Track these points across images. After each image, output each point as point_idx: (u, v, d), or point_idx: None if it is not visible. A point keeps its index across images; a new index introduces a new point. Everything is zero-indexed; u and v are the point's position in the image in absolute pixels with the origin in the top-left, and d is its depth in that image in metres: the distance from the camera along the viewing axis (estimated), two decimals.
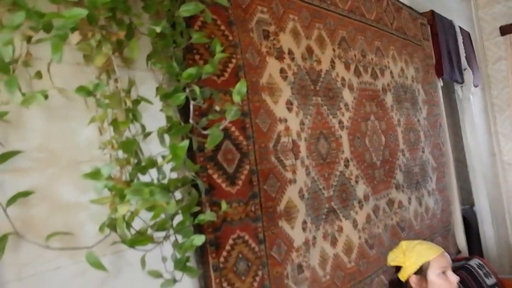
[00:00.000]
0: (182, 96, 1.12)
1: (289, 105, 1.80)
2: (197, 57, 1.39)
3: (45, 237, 0.95)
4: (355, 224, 2.10)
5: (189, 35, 1.24)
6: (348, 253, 2.00)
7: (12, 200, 0.92)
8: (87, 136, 1.12)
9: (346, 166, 2.11)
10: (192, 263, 1.25)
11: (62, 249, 1.01)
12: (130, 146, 1.04)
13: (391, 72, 2.70)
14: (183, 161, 1.10)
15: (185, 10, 1.11)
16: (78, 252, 1.03)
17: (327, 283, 1.83)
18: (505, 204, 4.44)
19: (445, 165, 3.27)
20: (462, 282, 2.43)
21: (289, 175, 1.73)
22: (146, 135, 1.13)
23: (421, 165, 2.89)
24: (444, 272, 1.67)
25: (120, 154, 1.05)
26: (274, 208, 1.63)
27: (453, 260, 2.43)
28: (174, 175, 1.16)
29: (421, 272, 1.68)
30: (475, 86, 3.94)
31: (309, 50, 1.98)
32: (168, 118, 1.17)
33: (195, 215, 1.16)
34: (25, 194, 0.95)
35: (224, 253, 1.40)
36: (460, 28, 3.78)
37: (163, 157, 1.10)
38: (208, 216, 1.15)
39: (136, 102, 1.09)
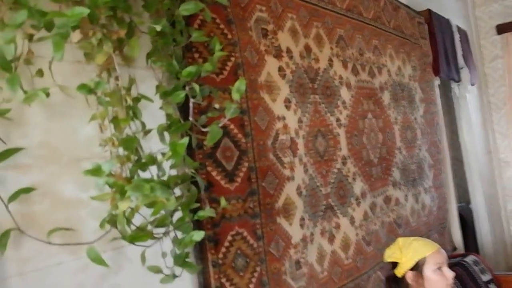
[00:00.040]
0: (182, 94, 1.13)
1: (287, 103, 1.81)
2: (196, 55, 1.40)
3: (47, 233, 0.97)
4: (352, 221, 2.12)
5: (188, 33, 1.25)
6: (345, 250, 2.02)
7: (14, 197, 0.93)
8: (88, 134, 1.14)
9: (344, 163, 2.13)
10: (191, 259, 1.26)
11: (63, 245, 1.02)
12: (130, 143, 1.05)
13: (388, 71, 2.72)
14: (183, 158, 1.12)
15: (185, 9, 1.12)
16: (79, 248, 1.04)
17: (324, 279, 1.85)
18: (500, 202, 4.47)
19: (442, 163, 3.30)
20: (458, 278, 2.46)
21: (287, 172, 1.74)
22: (146, 132, 1.14)
23: (418, 162, 2.91)
24: (440, 268, 1.68)
25: (121, 151, 1.06)
26: (272, 205, 1.64)
27: (449, 257, 2.45)
28: (173, 172, 1.17)
29: (417, 268, 1.69)
30: (472, 84, 3.96)
31: (307, 48, 2.00)
32: (168, 116, 1.18)
33: (194, 211, 1.18)
34: (27, 190, 0.96)
35: (223, 249, 1.42)
36: (457, 26, 3.80)
37: (163, 154, 1.11)
38: (207, 212, 1.16)
39: (136, 100, 1.10)
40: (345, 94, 2.23)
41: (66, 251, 1.07)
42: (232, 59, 1.56)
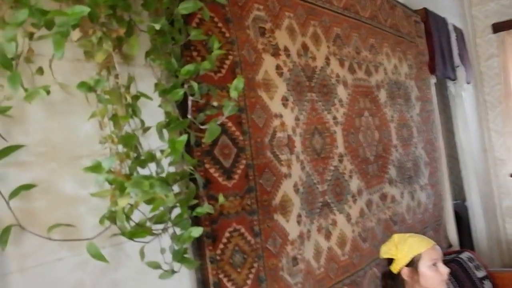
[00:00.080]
0: (180, 92, 1.15)
1: (284, 101, 1.83)
2: (194, 53, 1.41)
3: (47, 229, 0.98)
4: (348, 218, 2.13)
5: (187, 32, 1.26)
6: (341, 246, 2.04)
7: (15, 193, 0.94)
8: (87, 131, 1.15)
9: (340, 161, 2.14)
10: (189, 255, 1.27)
11: (63, 241, 1.04)
12: (130, 141, 1.06)
13: (384, 69, 2.73)
14: (181, 155, 1.13)
15: (184, 8, 1.13)
16: (79, 244, 1.05)
17: (321, 275, 1.87)
18: (496, 199, 4.51)
19: (438, 161, 3.32)
20: (453, 274, 2.48)
21: (284, 169, 1.76)
22: (145, 130, 1.16)
23: (413, 160, 2.93)
24: (435, 264, 1.70)
25: (120, 148, 1.08)
26: (269, 201, 1.66)
27: (445, 254, 2.48)
28: (172, 169, 1.19)
29: (413, 264, 1.71)
30: (468, 83, 3.99)
31: (305, 47, 2.01)
32: (167, 114, 1.19)
33: (192, 208, 1.19)
34: (28, 187, 0.97)
35: (221, 246, 1.43)
36: (453, 25, 3.82)
37: (162, 151, 1.12)
38: (205, 208, 1.18)
39: (136, 97, 1.11)
40: (341, 92, 2.24)
41: (66, 247, 1.08)
42: (230, 57, 1.58)
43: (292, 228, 1.75)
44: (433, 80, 3.44)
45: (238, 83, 1.19)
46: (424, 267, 1.70)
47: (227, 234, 1.46)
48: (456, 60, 3.76)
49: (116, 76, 1.08)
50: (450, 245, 3.26)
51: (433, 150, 3.26)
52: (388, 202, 2.53)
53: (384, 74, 2.72)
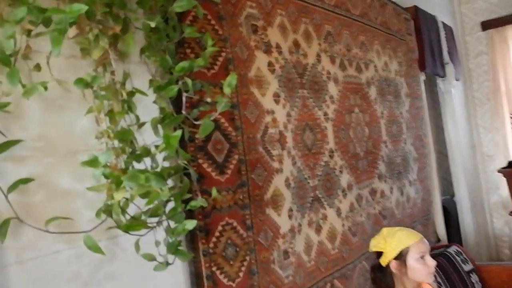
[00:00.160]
0: (175, 89, 1.17)
1: (276, 97, 1.86)
2: (188, 50, 1.44)
3: (45, 222, 1.00)
4: (339, 212, 2.17)
5: (181, 29, 1.28)
6: (332, 240, 2.08)
7: (13, 187, 0.96)
8: (83, 127, 1.17)
9: (331, 156, 2.18)
10: (183, 248, 1.30)
11: (60, 233, 1.06)
12: (125, 136, 1.09)
13: (375, 66, 2.77)
14: (176, 150, 1.16)
15: (179, 6, 1.15)
16: (76, 237, 1.08)
17: (311, 268, 1.91)
18: (484, 194, 4.57)
19: (426, 156, 3.37)
20: (440, 268, 2.54)
21: (276, 164, 1.79)
22: (141, 125, 1.18)
23: (403, 156, 2.98)
24: (422, 257, 1.74)
25: (116, 143, 1.10)
26: (261, 196, 1.69)
27: (433, 248, 2.53)
28: (166, 164, 1.21)
29: (401, 257, 1.75)
30: (457, 80, 4.03)
31: (296, 44, 2.04)
32: (161, 109, 1.21)
33: (186, 202, 1.22)
34: (25, 181, 0.99)
35: (214, 239, 1.46)
36: (443, 23, 3.87)
37: (156, 146, 1.15)
38: (199, 202, 1.20)
39: (131, 93, 1.14)
40: (332, 89, 2.28)
41: (62, 240, 1.11)
42: (223, 54, 1.60)
43: (283, 222, 1.79)
44: (422, 77, 3.48)
45: (231, 79, 1.21)
46: (412, 259, 1.74)
47: (219, 228, 1.49)
48: (446, 57, 3.81)
49: (112, 73, 1.10)
50: (438, 240, 3.32)
51: (422, 146, 3.31)
52: (378, 197, 2.58)
53: (374, 71, 2.76)
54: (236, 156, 1.60)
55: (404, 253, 1.75)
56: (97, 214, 1.08)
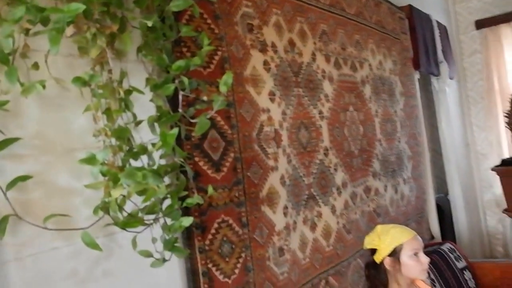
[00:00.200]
0: (171, 87, 1.18)
1: (271, 96, 1.87)
2: (184, 49, 1.45)
3: (43, 219, 1.02)
4: (333, 210, 2.19)
5: (178, 28, 1.30)
6: (326, 238, 2.10)
7: (11, 184, 0.97)
8: (81, 125, 1.18)
9: (326, 154, 2.20)
10: (179, 245, 1.32)
11: (59, 230, 1.07)
12: (122, 134, 1.10)
13: (369, 65, 2.79)
14: (172, 148, 1.17)
15: (175, 5, 1.17)
16: (73, 234, 1.09)
17: (306, 265, 1.93)
18: (477, 193, 4.60)
19: (421, 155, 3.39)
20: (434, 265, 2.56)
21: (271, 162, 1.81)
22: (137, 123, 1.19)
23: (397, 154, 3.00)
24: (416, 254, 1.76)
25: (113, 141, 1.11)
26: (256, 194, 1.70)
27: (427, 245, 2.55)
28: (162, 162, 1.22)
29: (395, 254, 1.77)
30: (451, 78, 4.06)
31: (291, 43, 2.06)
32: (158, 108, 1.23)
33: (182, 199, 1.24)
34: (24, 178, 1.01)
35: (210, 236, 1.48)
36: (437, 22, 3.89)
37: (153, 144, 1.16)
38: (195, 199, 1.22)
39: (128, 92, 1.15)
40: (327, 88, 2.29)
41: (60, 237, 1.12)
42: (219, 53, 1.62)
43: (278, 219, 1.80)
44: (417, 75, 3.50)
45: (227, 78, 1.23)
46: (405, 256, 1.76)
47: (215, 225, 1.51)
48: (440, 56, 3.83)
49: (109, 71, 1.12)
50: (432, 237, 3.34)
51: (416, 144, 3.34)
52: (372, 194, 2.60)
53: (369, 69, 2.78)
54: (232, 154, 1.61)
55: (397, 250, 1.77)
56: (95, 211, 1.09)
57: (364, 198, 2.50)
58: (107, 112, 1.11)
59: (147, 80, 1.24)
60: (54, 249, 1.11)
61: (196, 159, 1.47)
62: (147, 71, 1.28)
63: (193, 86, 1.36)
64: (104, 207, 1.08)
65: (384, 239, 1.79)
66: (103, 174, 1.07)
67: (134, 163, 1.13)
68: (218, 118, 1.58)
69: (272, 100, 1.87)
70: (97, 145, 1.12)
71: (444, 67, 3.86)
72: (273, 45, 1.92)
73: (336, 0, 2.49)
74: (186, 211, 1.37)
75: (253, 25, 1.82)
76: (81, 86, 1.06)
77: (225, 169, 1.57)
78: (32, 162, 1.08)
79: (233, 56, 1.69)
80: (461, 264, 2.85)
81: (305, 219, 1.98)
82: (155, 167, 1.15)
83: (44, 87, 1.00)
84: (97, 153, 1.04)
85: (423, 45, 3.51)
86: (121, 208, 1.10)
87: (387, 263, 1.79)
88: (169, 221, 1.20)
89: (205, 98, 1.36)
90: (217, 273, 1.48)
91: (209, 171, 1.51)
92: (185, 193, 1.25)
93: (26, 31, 1.01)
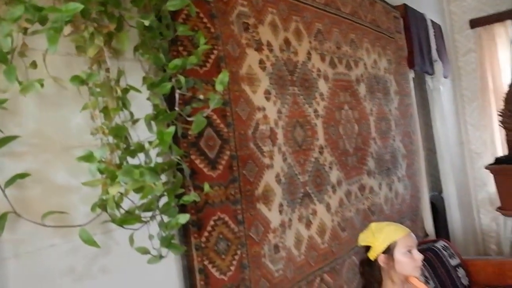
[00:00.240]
0: (168, 86, 1.20)
1: (267, 94, 1.89)
2: (181, 48, 1.46)
3: (41, 216, 1.03)
4: (328, 207, 2.21)
5: (174, 28, 1.31)
6: (321, 235, 2.12)
7: (10, 182, 0.99)
8: (79, 123, 1.19)
9: (321, 153, 2.22)
10: (176, 242, 1.33)
11: (57, 227, 1.08)
12: (120, 132, 1.11)
13: (364, 64, 2.81)
14: (169, 146, 1.18)
15: (172, 5, 1.18)
16: (70, 231, 1.10)
17: (301, 262, 1.94)
18: (471, 191, 4.63)
19: (415, 153, 3.41)
20: (428, 262, 2.59)
21: (266, 160, 1.82)
22: (135, 121, 1.20)
23: (391, 152, 3.02)
24: (409, 251, 1.78)
25: (111, 139, 1.12)
26: (252, 191, 1.72)
27: (421, 243, 2.57)
28: (159, 160, 1.24)
29: (389, 251, 1.79)
30: (445, 77, 4.08)
31: (287, 42, 2.07)
32: (155, 106, 1.24)
33: (179, 197, 1.25)
34: (22, 176, 1.02)
35: (206, 234, 1.49)
36: (432, 21, 3.91)
37: (150, 142, 1.17)
38: (192, 196, 1.23)
39: (125, 90, 1.16)
40: (322, 86, 2.31)
41: (58, 234, 1.13)
42: (215, 52, 1.63)
43: (274, 217, 1.82)
44: (411, 74, 3.52)
45: (223, 77, 1.24)
46: (399, 253, 1.78)
47: (211, 223, 1.52)
48: (434, 55, 3.85)
49: (107, 70, 1.13)
50: (426, 235, 3.37)
51: (410, 143, 3.36)
52: (367, 193, 2.62)
53: (364, 68, 2.80)
54: (228, 152, 1.63)
55: (391, 247, 1.79)
56: (92, 209, 1.10)
57: (358, 196, 2.52)
58: (105, 110, 1.12)
59: (144, 78, 1.25)
60: (52, 246, 1.13)
61: (193, 157, 1.48)
62: (144, 70, 1.29)
63: (190, 85, 1.38)
64: (102, 205, 1.10)
65: (378, 237, 1.80)
66: (101, 172, 1.08)
67: (131, 161, 1.14)
68: (214, 117, 1.59)
69: (267, 98, 1.88)
70: (94, 143, 1.13)
71: (438, 66, 3.89)
72: (269, 44, 1.94)
73: None
74: (182, 209, 1.38)
75: (249, 24, 1.84)
76: (79, 84, 1.07)
77: (221, 167, 1.59)
78: (30, 160, 1.09)
79: (229, 55, 1.70)
80: (454, 262, 2.88)
81: (300, 217, 1.99)
82: (152, 165, 1.17)
83: (42, 85, 1.01)
84: (94, 151, 1.05)
85: (417, 44, 3.53)
86: (118, 206, 1.11)
87: (381, 260, 1.80)
88: (165, 218, 1.22)
89: (201, 96, 1.37)
90: (213, 270, 1.50)
91: (205, 169, 1.52)
92: (182, 190, 1.27)
93: (25, 30, 1.02)
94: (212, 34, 1.63)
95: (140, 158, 1.17)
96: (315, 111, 2.22)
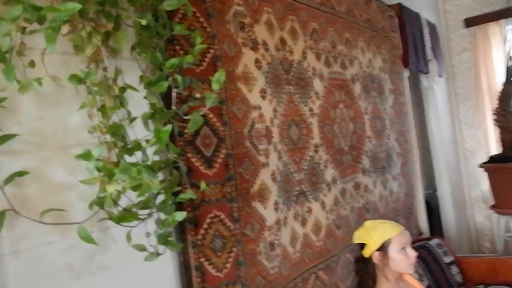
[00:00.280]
0: (165, 84, 1.21)
1: (263, 93, 1.90)
2: (177, 47, 1.48)
3: (40, 214, 1.04)
4: (323, 205, 2.23)
5: (171, 27, 1.32)
6: (316, 233, 2.14)
7: (9, 179, 1.00)
8: (77, 121, 1.21)
9: (316, 151, 2.23)
10: (173, 239, 1.34)
11: (55, 224, 1.10)
12: (117, 130, 1.13)
13: (359, 63, 2.83)
14: (166, 144, 1.20)
15: (168, 4, 1.19)
16: (68, 229, 1.12)
17: (296, 260, 1.96)
18: (465, 189, 4.65)
19: (409, 152, 3.43)
20: (422, 259, 2.61)
21: (262, 159, 1.84)
22: (132, 120, 1.22)
23: (386, 151, 3.04)
24: (403, 249, 1.80)
25: (108, 137, 1.14)
26: (248, 189, 1.73)
27: (415, 241, 2.60)
28: (156, 158, 1.25)
29: (383, 248, 1.80)
30: (440, 76, 4.11)
31: (282, 41, 2.08)
32: (152, 105, 1.25)
33: (176, 194, 1.26)
34: (21, 174, 1.03)
35: (202, 231, 1.51)
36: (427, 20, 3.93)
37: (147, 140, 1.19)
38: (188, 194, 1.25)
39: (123, 89, 1.17)
40: (318, 85, 2.33)
41: (56, 231, 1.14)
42: (211, 51, 1.64)
43: (269, 215, 1.83)
44: (406, 73, 3.54)
45: (219, 76, 1.26)
46: (393, 251, 1.80)
47: (208, 220, 1.54)
48: (429, 54, 3.87)
49: (104, 69, 1.14)
50: (420, 233, 3.39)
51: (405, 141, 3.38)
52: (362, 191, 2.64)
53: (359, 67, 2.81)
54: (224, 151, 1.64)
55: (386, 245, 1.80)
56: (90, 206, 1.12)
57: (353, 194, 2.54)
58: (102, 109, 1.13)
59: (141, 77, 1.27)
60: (50, 243, 1.14)
61: (189, 155, 1.50)
62: (141, 69, 1.30)
63: (186, 84, 1.39)
64: (99, 202, 1.11)
65: (373, 234, 1.82)
66: (98, 170, 1.09)
67: (129, 159, 1.15)
68: (211, 115, 1.60)
69: (263, 97, 1.90)
70: (92, 141, 1.14)
71: (433, 65, 3.91)
72: (265, 43, 1.95)
73: None
74: (179, 206, 1.39)
75: (245, 24, 1.85)
76: (76, 83, 1.08)
77: (217, 165, 1.60)
78: (29, 158, 1.11)
79: (225, 54, 1.71)
80: (448, 259, 2.91)
81: (296, 215, 2.01)
82: (149, 163, 1.18)
83: (40, 84, 1.02)
84: (92, 149, 1.07)
85: (412, 43, 3.55)
86: (116, 203, 1.12)
87: (376, 258, 1.82)
88: (162, 216, 1.23)
89: (198, 95, 1.38)
90: (209, 267, 1.51)
91: (201, 167, 1.54)
92: (178, 188, 1.28)
93: (23, 30, 1.03)
94: (209, 34, 1.64)
95: (137, 156, 1.18)
96: (311, 109, 2.23)
